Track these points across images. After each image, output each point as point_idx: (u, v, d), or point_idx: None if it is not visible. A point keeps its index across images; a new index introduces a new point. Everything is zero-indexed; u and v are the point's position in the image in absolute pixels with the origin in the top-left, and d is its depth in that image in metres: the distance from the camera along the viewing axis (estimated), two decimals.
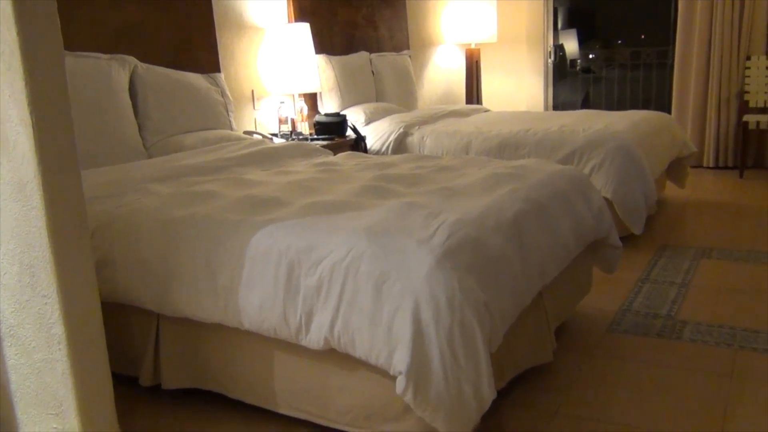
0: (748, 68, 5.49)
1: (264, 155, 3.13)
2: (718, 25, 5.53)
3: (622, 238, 3.44)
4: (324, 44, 4.56)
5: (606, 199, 3.50)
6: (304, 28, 4.08)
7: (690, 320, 2.71)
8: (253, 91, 4.16)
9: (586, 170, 3.64)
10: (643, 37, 10.92)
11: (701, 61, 5.67)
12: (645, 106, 7.31)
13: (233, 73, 4.00)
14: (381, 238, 1.80)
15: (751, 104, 5.48)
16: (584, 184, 2.64)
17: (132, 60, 3.24)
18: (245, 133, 3.89)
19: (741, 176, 5.35)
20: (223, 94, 3.67)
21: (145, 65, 3.29)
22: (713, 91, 5.65)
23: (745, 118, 5.28)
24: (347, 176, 2.63)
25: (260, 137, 3.81)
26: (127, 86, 3.18)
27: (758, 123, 5.22)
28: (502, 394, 2.12)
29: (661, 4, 6.28)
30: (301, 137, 4.05)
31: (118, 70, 3.14)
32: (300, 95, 4.27)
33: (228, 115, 3.67)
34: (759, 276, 3.19)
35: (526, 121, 4.32)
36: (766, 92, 5.45)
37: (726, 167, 5.69)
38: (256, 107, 4.19)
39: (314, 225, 1.93)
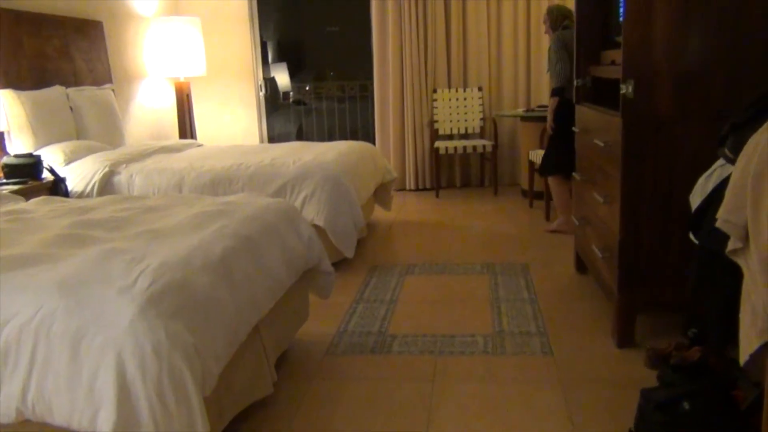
0: (435, 100, 6.19)
1: None
2: (407, 62, 6.16)
3: (336, 263, 3.64)
4: (10, 78, 4.12)
5: (319, 227, 3.67)
6: None
7: (398, 333, 2.95)
8: None
9: (299, 201, 3.79)
10: (350, 71, 11.73)
11: (396, 94, 6.26)
12: (353, 135, 7.84)
13: None
14: (76, 291, 1.67)
15: (440, 132, 6.18)
16: (293, 215, 2.74)
17: None
18: None
19: (437, 196, 6.00)
20: None
21: None
22: (409, 121, 6.26)
23: (436, 144, 5.94)
24: (40, 225, 2.40)
25: None
26: None
27: (447, 148, 5.89)
28: None
29: (361, 41, 6.78)
30: None
31: None
32: None
33: None
34: (453, 286, 3.59)
35: (239, 155, 4.36)
36: (451, 120, 6.19)
37: (425, 189, 6.33)
38: None
39: None
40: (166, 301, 1.70)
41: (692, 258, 1.90)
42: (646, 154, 2.57)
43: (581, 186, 3.42)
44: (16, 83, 4.17)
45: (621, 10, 2.95)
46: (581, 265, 3.65)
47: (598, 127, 3.03)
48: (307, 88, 9.75)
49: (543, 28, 4.78)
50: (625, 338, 2.71)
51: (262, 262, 2.28)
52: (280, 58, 10.73)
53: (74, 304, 1.63)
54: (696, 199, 1.92)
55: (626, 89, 2.51)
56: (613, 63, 3.01)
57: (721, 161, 1.85)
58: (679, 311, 2.62)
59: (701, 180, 1.94)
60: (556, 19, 4.42)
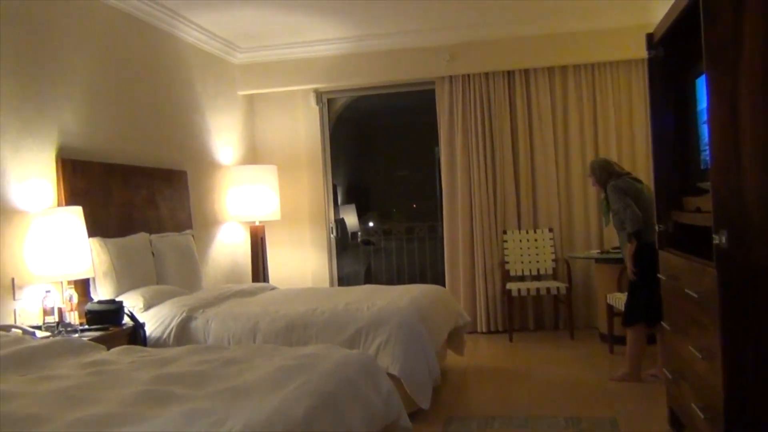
0: (506, 241, 6.16)
1: (22, 357, 2.76)
2: (476, 204, 6.21)
3: (410, 414, 3.48)
4: (98, 226, 4.32)
5: (393, 375, 3.56)
6: (75, 212, 3.85)
7: None
8: (13, 279, 3.75)
9: (373, 348, 3.70)
10: (414, 205, 12.00)
11: (466, 236, 6.26)
12: (421, 275, 7.82)
13: None
14: None
15: (512, 273, 6.09)
16: (373, 369, 2.67)
17: None
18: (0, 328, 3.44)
19: (510, 340, 5.80)
20: None
21: None
22: (479, 262, 6.21)
23: (508, 285, 5.84)
24: (122, 378, 2.40)
25: (19, 332, 3.40)
26: None
27: (519, 290, 5.78)
28: None
29: (428, 184, 6.93)
30: (69, 329, 3.67)
31: None
32: (69, 282, 3.93)
33: None
34: None
35: (313, 299, 4.36)
36: (522, 262, 6.11)
37: (497, 331, 6.15)
38: (16, 297, 3.77)
39: None
40: None
41: None
42: (746, 306, 2.41)
43: (672, 337, 3.23)
44: (104, 231, 4.35)
45: (704, 155, 2.92)
46: (676, 421, 3.38)
47: (687, 276, 2.90)
48: (372, 226, 9.93)
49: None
50: None
51: (343, 422, 2.19)
52: (348, 200, 11.06)
53: None
54: None
55: (719, 240, 2.41)
56: (698, 210, 2.93)
57: None
58: None
59: None
60: (601, 174, 4.46)
